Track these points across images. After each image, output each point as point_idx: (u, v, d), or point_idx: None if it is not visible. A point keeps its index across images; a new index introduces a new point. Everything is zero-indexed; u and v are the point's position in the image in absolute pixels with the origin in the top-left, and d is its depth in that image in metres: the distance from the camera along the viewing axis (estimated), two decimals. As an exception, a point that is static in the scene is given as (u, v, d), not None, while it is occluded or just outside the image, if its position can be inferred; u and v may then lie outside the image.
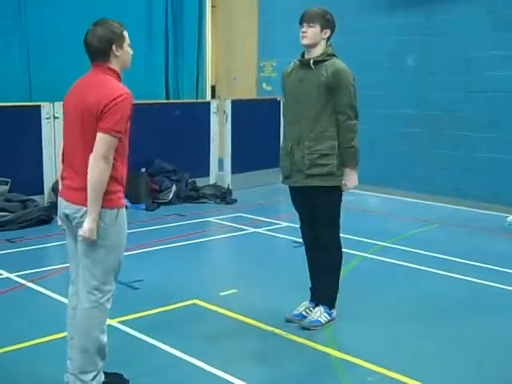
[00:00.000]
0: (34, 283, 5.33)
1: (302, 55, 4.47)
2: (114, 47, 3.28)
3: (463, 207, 8.57)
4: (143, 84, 9.81)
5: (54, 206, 7.63)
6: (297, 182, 4.45)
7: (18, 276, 5.48)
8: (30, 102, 8.41)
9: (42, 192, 7.81)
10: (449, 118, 8.89)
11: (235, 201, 8.81)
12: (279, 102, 10.37)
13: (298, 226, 4.65)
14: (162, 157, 8.86)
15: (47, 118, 7.79)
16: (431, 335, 4.44)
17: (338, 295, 4.55)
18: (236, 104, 9.66)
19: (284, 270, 5.88)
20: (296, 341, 4.29)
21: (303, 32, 4.35)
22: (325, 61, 4.34)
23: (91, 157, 3.17)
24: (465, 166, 8.77)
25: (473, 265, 6.00)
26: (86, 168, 3.20)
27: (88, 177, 3.18)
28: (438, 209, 8.60)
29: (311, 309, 4.61)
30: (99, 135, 3.18)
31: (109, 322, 3.54)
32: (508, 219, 7.38)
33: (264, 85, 11.31)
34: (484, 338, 4.40)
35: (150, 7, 10.11)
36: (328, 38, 4.40)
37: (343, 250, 4.55)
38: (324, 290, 4.53)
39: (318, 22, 4.34)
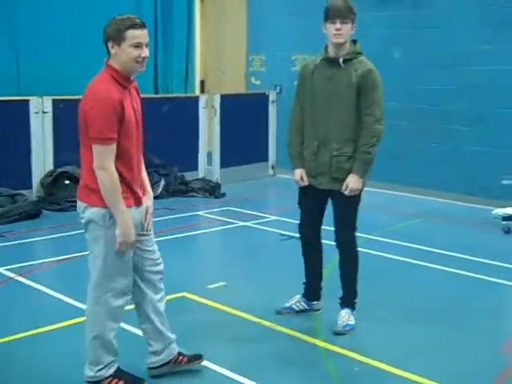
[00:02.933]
0: (22, 277, 5.35)
1: (325, 51, 4.26)
2: (109, 44, 3.27)
3: (450, 200, 8.63)
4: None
5: (42, 201, 7.67)
6: (322, 185, 4.31)
7: (6, 270, 5.50)
8: (19, 96, 8.41)
9: (30, 186, 7.81)
10: (436, 111, 8.93)
11: (224, 195, 8.84)
12: (268, 96, 10.42)
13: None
14: (151, 151, 8.85)
15: (36, 113, 7.77)
16: (417, 325, 4.51)
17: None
18: (225, 98, 9.68)
19: (273, 263, 5.94)
20: (285, 332, 4.35)
21: (337, 29, 4.06)
22: (352, 59, 4.17)
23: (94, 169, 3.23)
24: (451, 159, 8.82)
25: (459, 257, 6.07)
26: (84, 167, 3.30)
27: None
28: (424, 202, 8.65)
29: (302, 303, 4.67)
30: (92, 146, 3.21)
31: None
32: (493, 212, 7.44)
33: (253, 79, 11.32)
34: (472, 327, 4.48)
35: (138, 1, 10.12)
36: None
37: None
38: (347, 293, 4.50)
39: (350, 17, 4.09)
